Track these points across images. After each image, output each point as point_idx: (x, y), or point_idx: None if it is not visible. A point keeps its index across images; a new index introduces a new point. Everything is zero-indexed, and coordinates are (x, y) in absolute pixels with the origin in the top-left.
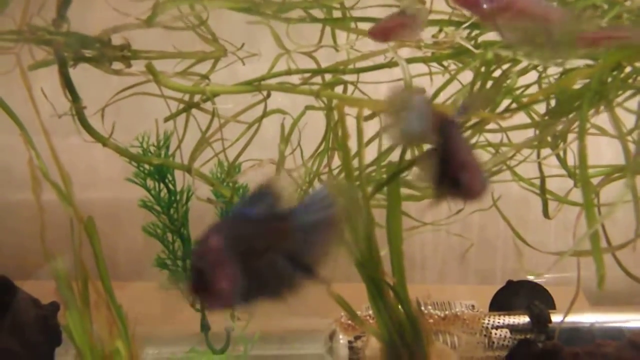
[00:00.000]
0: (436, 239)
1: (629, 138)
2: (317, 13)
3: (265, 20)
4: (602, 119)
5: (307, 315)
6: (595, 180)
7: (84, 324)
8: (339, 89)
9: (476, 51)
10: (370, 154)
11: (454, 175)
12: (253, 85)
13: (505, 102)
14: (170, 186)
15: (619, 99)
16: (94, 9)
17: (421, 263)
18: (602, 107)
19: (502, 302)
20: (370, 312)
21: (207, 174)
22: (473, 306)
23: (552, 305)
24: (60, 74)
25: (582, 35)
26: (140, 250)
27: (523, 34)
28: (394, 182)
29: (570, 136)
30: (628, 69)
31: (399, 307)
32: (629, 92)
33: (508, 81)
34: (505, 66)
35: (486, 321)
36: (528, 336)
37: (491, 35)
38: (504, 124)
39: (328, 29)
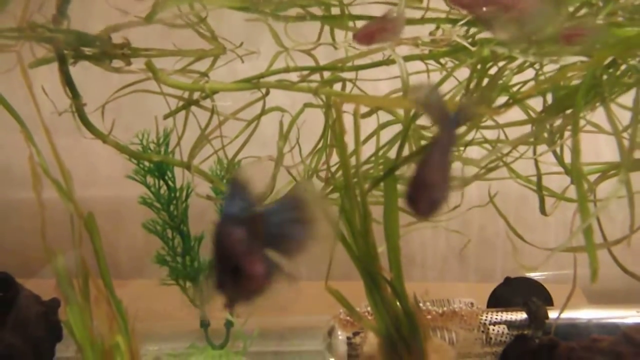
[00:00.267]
0: (436, 238)
1: (625, 135)
2: (316, 11)
3: (264, 19)
4: (599, 117)
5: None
6: (592, 178)
7: (84, 320)
8: (337, 87)
9: (473, 48)
10: (369, 150)
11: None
12: (252, 82)
13: (503, 100)
14: (170, 183)
15: (615, 96)
16: (94, 6)
17: (421, 261)
18: (597, 105)
19: (500, 298)
20: (369, 308)
21: (206, 171)
22: (472, 304)
23: (549, 302)
24: (61, 72)
25: (562, 32)
26: (140, 248)
27: (505, 25)
28: (391, 178)
29: (568, 134)
30: (623, 67)
31: (397, 302)
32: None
33: (504, 78)
34: (501, 63)
35: (484, 317)
36: (525, 332)
37: (488, 33)
38: (501, 120)
39: (326, 26)
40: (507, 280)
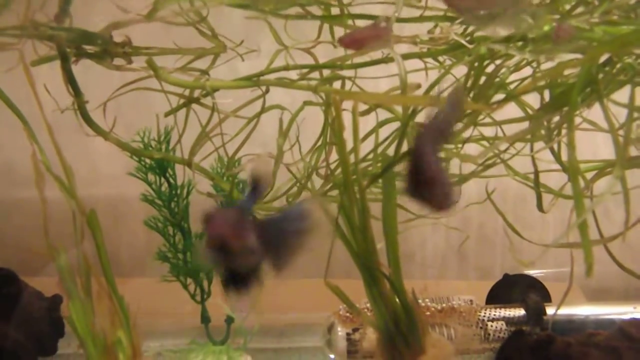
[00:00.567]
0: (435, 236)
1: (621, 132)
2: (315, 10)
3: (264, 17)
4: (597, 115)
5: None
6: (589, 176)
7: (86, 315)
8: (336, 85)
9: (470, 46)
10: (368, 147)
11: (425, 189)
12: (252, 80)
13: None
14: (171, 180)
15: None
16: (96, 4)
17: (420, 259)
18: (593, 102)
19: (499, 295)
20: (368, 305)
21: (207, 168)
22: (471, 301)
23: (548, 299)
24: (63, 69)
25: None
26: (141, 246)
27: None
28: (390, 174)
29: (565, 131)
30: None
31: (395, 297)
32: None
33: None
34: (498, 61)
35: (482, 314)
36: (523, 328)
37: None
38: (498, 117)
39: (326, 25)
40: (506, 277)
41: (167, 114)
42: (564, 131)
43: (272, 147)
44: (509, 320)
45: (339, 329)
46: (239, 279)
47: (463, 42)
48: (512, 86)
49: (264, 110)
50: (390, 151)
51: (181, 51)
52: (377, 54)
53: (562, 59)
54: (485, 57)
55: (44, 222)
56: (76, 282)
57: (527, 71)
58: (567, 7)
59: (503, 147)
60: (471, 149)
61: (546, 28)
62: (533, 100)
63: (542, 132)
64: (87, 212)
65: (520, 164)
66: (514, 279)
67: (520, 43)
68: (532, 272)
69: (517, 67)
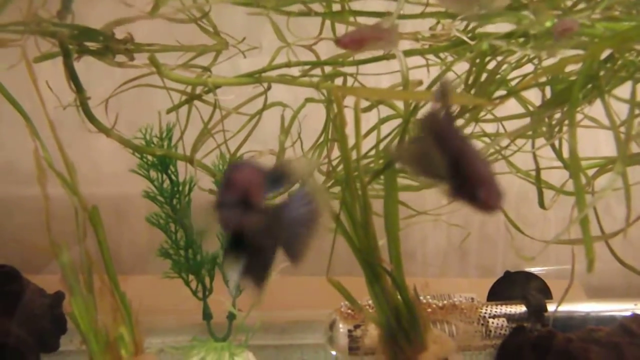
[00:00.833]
0: (437, 233)
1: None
2: (317, 7)
3: (265, 14)
4: (598, 111)
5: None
6: (590, 172)
7: (88, 311)
8: (338, 81)
9: (472, 43)
10: (370, 144)
11: (472, 190)
12: (254, 77)
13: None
14: (173, 177)
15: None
16: (98, 1)
17: (422, 257)
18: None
19: (500, 292)
20: (370, 302)
21: (209, 165)
22: (472, 299)
23: (549, 295)
24: (65, 66)
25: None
26: (143, 243)
27: None
28: (391, 171)
29: (566, 128)
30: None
31: (397, 293)
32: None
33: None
34: (499, 57)
35: (484, 310)
36: (524, 324)
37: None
38: (500, 114)
39: (328, 22)
40: (507, 274)
41: (169, 111)
42: (565, 128)
43: (274, 144)
44: (510, 317)
45: (340, 325)
46: (245, 247)
47: (465, 38)
48: (513, 82)
49: (265, 107)
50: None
51: (183, 48)
52: (378, 51)
53: (563, 56)
54: (487, 54)
55: (47, 219)
56: (78, 279)
57: (528, 67)
58: (569, 3)
59: (504, 143)
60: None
61: (548, 24)
62: (534, 96)
63: (544, 128)
64: (89, 209)
65: (521, 161)
66: (515, 276)
67: (521, 39)
68: (533, 269)
69: (519, 64)
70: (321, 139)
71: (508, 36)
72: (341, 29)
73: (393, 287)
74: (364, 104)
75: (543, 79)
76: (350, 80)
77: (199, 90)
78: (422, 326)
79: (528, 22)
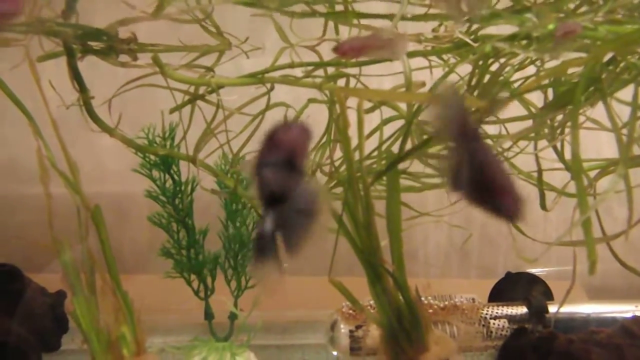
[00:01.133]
0: (438, 234)
1: (624, 131)
2: (321, 8)
3: (269, 14)
4: (600, 113)
5: (309, 306)
6: (592, 174)
7: (90, 311)
8: (341, 82)
9: (475, 45)
10: (372, 145)
11: (495, 199)
12: (257, 78)
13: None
14: (176, 177)
15: (612, 90)
16: (102, 1)
17: (424, 258)
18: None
19: (501, 293)
20: (372, 302)
21: (211, 165)
22: (474, 299)
23: (550, 297)
24: (69, 66)
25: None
26: (145, 242)
27: None
28: (394, 172)
29: (569, 129)
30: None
31: (399, 294)
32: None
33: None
34: (502, 59)
35: (485, 311)
36: (526, 326)
37: (490, 29)
38: (501, 115)
39: (331, 23)
40: (509, 275)
41: (172, 111)
42: (567, 130)
43: None
44: (511, 318)
45: (342, 326)
46: (281, 211)
47: (467, 40)
48: (516, 84)
49: (268, 107)
50: (395, 148)
51: (186, 48)
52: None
53: (566, 58)
54: (490, 56)
55: (49, 218)
56: (80, 278)
57: (531, 70)
58: (572, 5)
59: (507, 145)
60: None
61: (550, 27)
62: (537, 98)
63: (546, 130)
64: (92, 208)
65: (523, 162)
66: (516, 277)
67: (524, 42)
68: (535, 270)
69: (521, 66)
70: (324, 140)
71: (511, 38)
72: (344, 30)
73: (395, 287)
74: (367, 104)
75: (545, 81)
76: (353, 82)
77: (202, 90)
78: (424, 327)
79: (531, 25)
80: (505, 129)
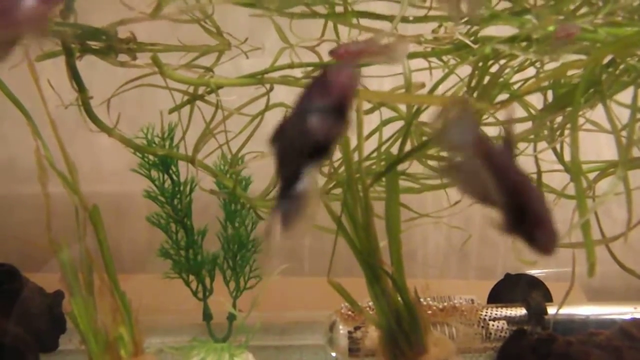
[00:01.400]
0: (437, 235)
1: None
2: (320, 9)
3: (268, 15)
4: (600, 115)
5: (307, 306)
6: (592, 176)
7: (88, 311)
8: None
9: (474, 46)
10: (371, 146)
11: (531, 229)
12: (256, 78)
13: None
14: (174, 177)
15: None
16: (101, 1)
17: (422, 259)
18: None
19: (500, 294)
20: (370, 304)
21: (210, 165)
22: (472, 300)
23: (549, 298)
24: (67, 65)
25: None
26: (143, 243)
27: None
28: (393, 173)
29: (568, 132)
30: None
31: (397, 295)
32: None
33: (505, 75)
34: (502, 61)
35: (484, 313)
36: (525, 327)
37: (490, 31)
38: (501, 117)
39: (330, 23)
40: (508, 276)
41: (171, 111)
42: (567, 131)
43: None
44: (510, 320)
45: (340, 327)
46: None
47: (467, 41)
48: (515, 86)
49: (267, 108)
50: (394, 150)
51: (186, 48)
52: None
53: (565, 60)
54: (490, 57)
55: (47, 218)
56: (78, 278)
57: (530, 71)
58: (572, 8)
59: None
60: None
61: (550, 29)
62: (536, 100)
63: (545, 132)
64: (90, 208)
65: (523, 164)
66: (515, 278)
67: (524, 43)
68: (534, 272)
69: (521, 68)
70: None
71: (511, 40)
72: (344, 31)
73: (394, 289)
74: (366, 105)
75: (545, 83)
76: None
77: (201, 90)
78: (423, 328)
79: (531, 27)
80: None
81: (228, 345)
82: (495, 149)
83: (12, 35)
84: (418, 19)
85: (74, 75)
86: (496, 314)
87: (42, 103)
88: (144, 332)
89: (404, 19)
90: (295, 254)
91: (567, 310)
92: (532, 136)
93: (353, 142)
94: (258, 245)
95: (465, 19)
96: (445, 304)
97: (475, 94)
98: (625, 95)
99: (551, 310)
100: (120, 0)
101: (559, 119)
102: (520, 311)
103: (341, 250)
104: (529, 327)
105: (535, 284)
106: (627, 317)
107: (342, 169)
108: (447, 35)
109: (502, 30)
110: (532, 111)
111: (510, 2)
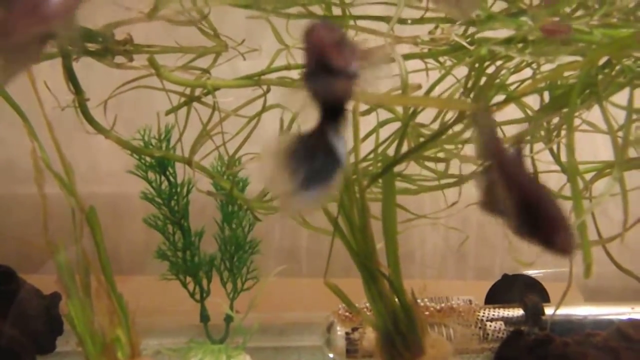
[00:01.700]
0: (435, 236)
1: (620, 134)
2: (317, 10)
3: (265, 16)
4: (596, 116)
5: (305, 308)
6: (588, 177)
7: (85, 313)
8: None
9: (471, 47)
10: (368, 147)
11: (548, 234)
12: (253, 80)
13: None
14: (171, 178)
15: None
16: (97, 2)
17: (420, 259)
18: (594, 104)
19: (498, 295)
20: (367, 305)
21: (207, 166)
22: (470, 301)
23: (546, 299)
24: (64, 67)
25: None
26: (140, 244)
27: None
28: (390, 174)
29: (564, 133)
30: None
31: (394, 297)
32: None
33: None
34: (498, 62)
35: (481, 314)
36: (522, 328)
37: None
38: (498, 118)
39: None
40: (505, 277)
41: (167, 112)
42: (563, 132)
43: None
44: (507, 320)
45: (338, 328)
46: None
47: (464, 43)
48: (512, 87)
49: (264, 109)
50: (391, 151)
51: (182, 50)
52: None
53: (561, 61)
54: (486, 58)
55: (44, 219)
56: (75, 279)
57: (527, 73)
58: (568, 9)
59: None
60: (471, 149)
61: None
62: (533, 101)
63: (542, 133)
64: (87, 210)
65: None
66: (512, 279)
67: (520, 44)
68: (531, 273)
69: (517, 69)
70: None
71: (507, 41)
72: None
73: (391, 290)
74: (363, 107)
75: (541, 84)
76: None
77: (198, 92)
78: (420, 330)
79: (527, 28)
80: (502, 131)
81: (225, 347)
82: (509, 156)
83: (43, 32)
84: (415, 21)
85: (71, 77)
86: (494, 315)
87: (39, 105)
88: (141, 333)
89: (401, 21)
90: (292, 255)
91: (565, 311)
92: (528, 137)
93: (349, 144)
94: (255, 246)
95: (463, 20)
96: (443, 304)
97: (471, 95)
98: (621, 97)
99: (548, 310)
100: (117, 2)
101: (555, 120)
102: (518, 312)
103: (338, 251)
104: (527, 328)
105: (533, 284)
106: (624, 317)
107: None
108: (444, 36)
109: (498, 31)
110: (529, 112)
111: (506, 3)
